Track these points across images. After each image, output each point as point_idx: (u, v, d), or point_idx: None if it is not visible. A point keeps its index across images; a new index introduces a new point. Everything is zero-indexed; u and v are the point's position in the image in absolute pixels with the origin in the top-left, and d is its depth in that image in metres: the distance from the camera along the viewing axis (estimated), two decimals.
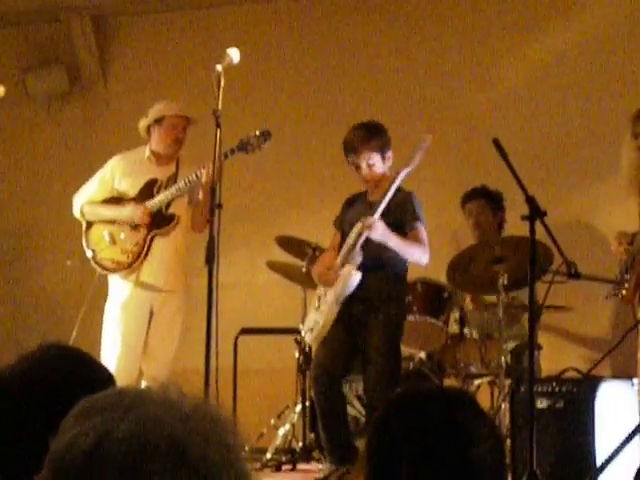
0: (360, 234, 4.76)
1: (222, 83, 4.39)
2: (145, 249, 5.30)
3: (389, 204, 4.76)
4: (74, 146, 7.46)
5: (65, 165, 7.37)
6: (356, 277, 4.80)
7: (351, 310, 4.85)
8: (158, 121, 5.36)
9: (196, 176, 5.17)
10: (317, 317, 4.97)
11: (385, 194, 4.75)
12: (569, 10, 6.65)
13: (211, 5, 7.34)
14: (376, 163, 4.88)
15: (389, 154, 4.92)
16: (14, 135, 7.64)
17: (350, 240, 4.85)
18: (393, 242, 4.74)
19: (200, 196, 5.23)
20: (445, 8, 6.91)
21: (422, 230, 4.84)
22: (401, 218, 4.81)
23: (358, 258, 4.80)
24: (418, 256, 4.81)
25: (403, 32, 6.99)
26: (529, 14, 6.72)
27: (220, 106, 4.38)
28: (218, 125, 4.37)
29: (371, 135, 4.87)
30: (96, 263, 5.41)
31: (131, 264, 5.30)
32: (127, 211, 5.34)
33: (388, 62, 6.98)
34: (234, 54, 4.51)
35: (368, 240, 4.73)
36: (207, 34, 7.18)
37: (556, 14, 6.66)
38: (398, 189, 4.84)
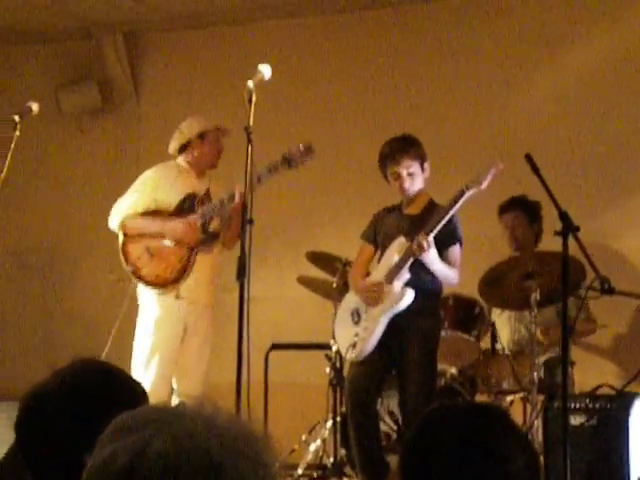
0: (410, 253, 4.71)
1: (254, 99, 4.40)
2: (190, 265, 5.24)
3: (431, 219, 4.73)
4: (106, 162, 7.52)
5: (97, 181, 7.42)
6: (410, 295, 4.76)
7: (387, 326, 4.85)
8: (202, 136, 5.38)
9: (231, 197, 5.14)
10: (360, 332, 4.90)
11: (445, 212, 4.65)
12: (605, 20, 6.62)
13: (243, 21, 7.38)
14: (416, 172, 4.86)
15: (426, 165, 4.90)
16: (47, 152, 7.71)
17: (396, 258, 4.81)
18: (437, 266, 4.73)
19: (231, 216, 5.22)
20: (476, 20, 6.90)
21: (458, 252, 4.82)
22: (442, 237, 4.77)
23: (406, 276, 4.79)
24: (451, 279, 4.81)
25: (435, 44, 6.98)
26: (564, 25, 6.69)
27: (252, 122, 4.39)
28: (250, 141, 4.37)
29: (411, 144, 4.87)
30: (138, 278, 5.29)
31: (177, 279, 5.21)
32: (175, 226, 5.23)
33: (420, 75, 6.98)
34: (266, 70, 4.52)
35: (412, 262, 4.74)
36: (238, 50, 7.21)
37: (592, 24, 6.63)
38: (439, 205, 4.82)
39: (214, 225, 5.33)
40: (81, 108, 7.59)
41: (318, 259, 5.85)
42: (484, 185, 4.63)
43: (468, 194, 4.65)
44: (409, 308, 4.78)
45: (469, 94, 6.84)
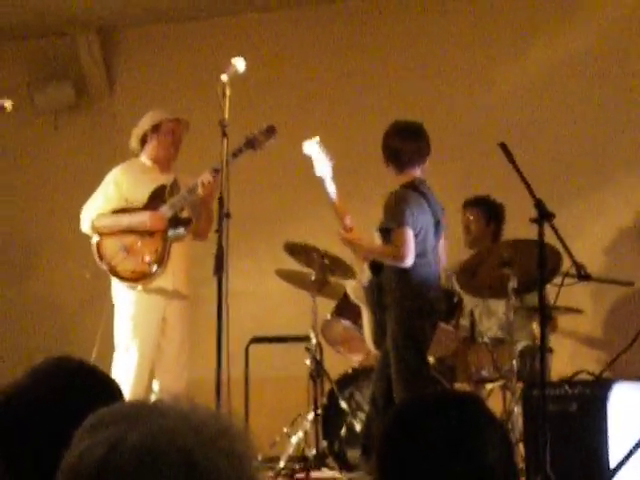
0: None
1: (228, 93, 4.40)
2: (166, 256, 5.27)
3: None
4: (81, 159, 7.48)
5: (73, 178, 7.39)
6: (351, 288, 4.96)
7: (378, 315, 4.92)
8: (155, 128, 5.38)
9: (194, 186, 5.17)
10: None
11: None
12: (574, 12, 6.65)
13: (216, 15, 7.36)
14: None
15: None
16: (22, 149, 7.67)
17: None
18: (363, 252, 4.85)
19: (198, 205, 5.24)
20: (447, 13, 6.91)
21: (400, 235, 4.79)
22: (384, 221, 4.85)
23: (363, 274, 4.90)
24: (393, 262, 4.82)
25: (406, 38, 6.99)
26: (533, 17, 6.72)
27: (227, 116, 4.39)
28: (225, 135, 4.38)
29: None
30: (115, 275, 5.31)
31: (154, 272, 5.24)
32: (142, 217, 5.27)
33: (392, 68, 6.99)
34: (239, 64, 4.52)
35: None
36: (213, 45, 7.19)
37: (560, 16, 6.66)
38: (394, 191, 4.93)
39: (185, 215, 5.36)
40: (55, 105, 7.55)
41: (296, 251, 5.85)
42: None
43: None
44: (385, 297, 4.83)
45: (439, 86, 6.86)
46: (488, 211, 5.88)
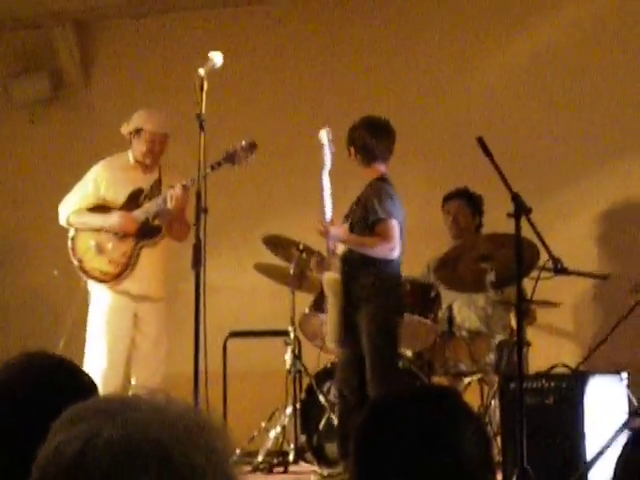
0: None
1: (205, 86, 4.38)
2: (133, 260, 5.31)
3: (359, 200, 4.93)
4: (58, 152, 7.44)
5: (49, 171, 7.34)
6: (329, 281, 4.94)
7: (347, 312, 4.91)
8: (137, 131, 5.36)
9: (164, 200, 5.23)
10: (327, 320, 5.06)
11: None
12: (554, 3, 6.67)
13: (194, 8, 7.33)
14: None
15: (352, 150, 5.10)
16: None
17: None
18: (352, 241, 4.86)
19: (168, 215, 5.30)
20: (426, 3, 6.92)
21: (386, 226, 4.86)
22: (366, 214, 4.87)
23: (335, 261, 4.90)
24: (381, 253, 4.83)
25: (384, 30, 6.98)
26: (512, 8, 6.72)
27: (204, 110, 4.37)
28: (202, 129, 4.36)
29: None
30: (83, 272, 5.38)
31: (119, 275, 5.30)
32: (113, 219, 5.32)
33: (370, 60, 6.98)
34: (217, 57, 4.50)
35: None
36: (190, 38, 7.16)
37: (540, 7, 6.67)
38: (371, 183, 4.99)
39: (157, 222, 5.38)
40: (31, 98, 7.49)
41: (275, 244, 5.84)
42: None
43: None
44: (358, 292, 4.83)
45: (418, 78, 6.86)
46: (471, 203, 5.91)
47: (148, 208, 5.32)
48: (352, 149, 5.02)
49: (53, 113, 7.57)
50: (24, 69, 7.50)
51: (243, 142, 5.12)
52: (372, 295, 4.87)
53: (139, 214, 5.32)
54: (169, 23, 7.39)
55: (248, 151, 5.10)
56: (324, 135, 4.95)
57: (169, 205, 5.18)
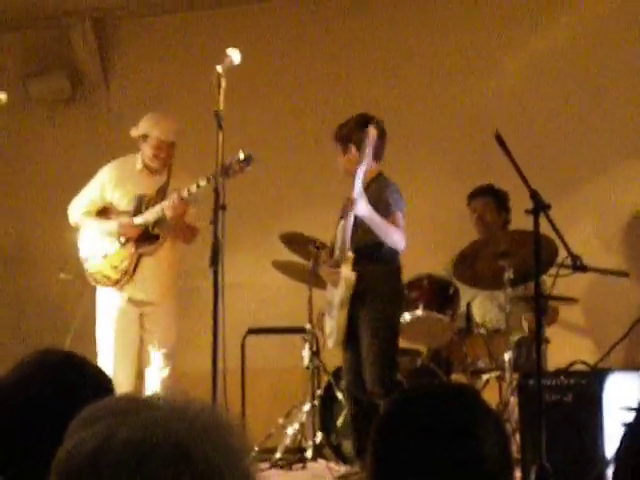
0: (345, 211, 4.81)
1: (223, 84, 4.38)
2: (133, 266, 5.36)
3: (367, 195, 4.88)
4: (77, 151, 7.46)
5: (68, 170, 7.36)
6: (353, 279, 4.87)
7: (352, 310, 4.91)
8: (144, 136, 5.38)
9: (164, 207, 5.29)
10: (331, 323, 5.01)
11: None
12: (572, 1, 6.64)
13: (212, 6, 7.34)
14: (339, 154, 5.16)
15: (351, 146, 5.06)
16: (17, 142, 7.64)
17: (338, 232, 4.92)
18: (373, 218, 4.79)
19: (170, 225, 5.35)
20: (447, 1, 6.90)
21: (398, 219, 4.90)
22: (376, 208, 4.86)
23: (349, 253, 4.86)
24: (395, 238, 4.85)
25: (402, 27, 6.97)
26: (532, 5, 6.70)
27: (222, 107, 4.37)
28: (220, 126, 4.36)
29: (339, 127, 5.22)
30: (88, 275, 5.50)
31: (119, 280, 5.37)
32: (115, 225, 5.40)
33: (388, 57, 6.97)
34: (234, 54, 4.50)
35: (355, 230, 4.79)
36: (209, 35, 7.17)
37: (559, 5, 6.64)
38: (375, 179, 4.99)
39: (157, 230, 5.43)
40: (51, 97, 7.52)
41: (292, 242, 5.84)
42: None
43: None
44: (364, 290, 4.82)
45: (436, 75, 6.85)
46: (497, 199, 5.89)
47: (147, 217, 5.38)
48: (353, 147, 5.01)
49: (72, 112, 7.60)
50: (43, 68, 7.53)
51: (239, 155, 5.02)
52: (385, 293, 4.89)
53: (139, 221, 5.38)
54: (188, 21, 7.40)
55: (243, 165, 4.99)
56: (373, 130, 4.93)
57: (167, 213, 5.25)
